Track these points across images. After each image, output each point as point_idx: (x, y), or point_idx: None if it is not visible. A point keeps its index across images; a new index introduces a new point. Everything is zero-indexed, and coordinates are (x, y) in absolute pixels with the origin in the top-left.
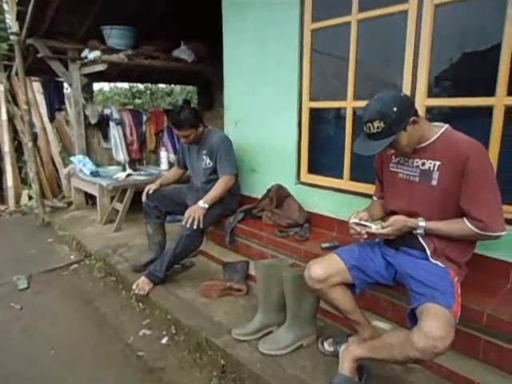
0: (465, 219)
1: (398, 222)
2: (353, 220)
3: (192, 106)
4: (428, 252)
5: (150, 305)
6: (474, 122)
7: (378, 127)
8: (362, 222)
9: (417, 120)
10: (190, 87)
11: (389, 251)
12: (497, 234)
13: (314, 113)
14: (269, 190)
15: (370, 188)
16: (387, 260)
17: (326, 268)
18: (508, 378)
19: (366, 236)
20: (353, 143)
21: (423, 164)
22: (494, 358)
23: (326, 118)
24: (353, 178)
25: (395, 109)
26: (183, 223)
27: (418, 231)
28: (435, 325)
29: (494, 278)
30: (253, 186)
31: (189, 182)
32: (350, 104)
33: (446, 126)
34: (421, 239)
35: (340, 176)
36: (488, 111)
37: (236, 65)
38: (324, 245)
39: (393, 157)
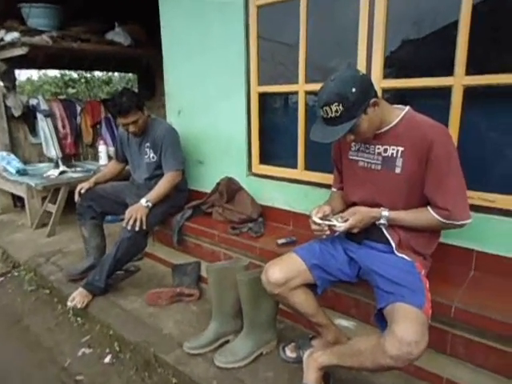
0: (429, 208)
1: (360, 212)
2: (316, 218)
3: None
4: (393, 245)
5: (90, 319)
6: (433, 104)
7: (337, 111)
8: (327, 221)
9: (377, 101)
10: (130, 75)
11: (351, 246)
12: (462, 222)
13: (263, 98)
14: (218, 184)
15: (326, 178)
16: (350, 256)
17: (285, 270)
18: (477, 372)
19: (328, 232)
20: (306, 130)
21: (385, 150)
22: (463, 351)
23: (277, 103)
24: (308, 168)
25: (354, 90)
26: (123, 225)
27: (381, 222)
28: (408, 329)
29: (457, 266)
30: (201, 179)
31: (129, 178)
32: (301, 87)
33: (407, 108)
34: (385, 231)
35: (294, 166)
36: (446, 92)
37: (176, 49)
38: (280, 241)
39: (352, 144)
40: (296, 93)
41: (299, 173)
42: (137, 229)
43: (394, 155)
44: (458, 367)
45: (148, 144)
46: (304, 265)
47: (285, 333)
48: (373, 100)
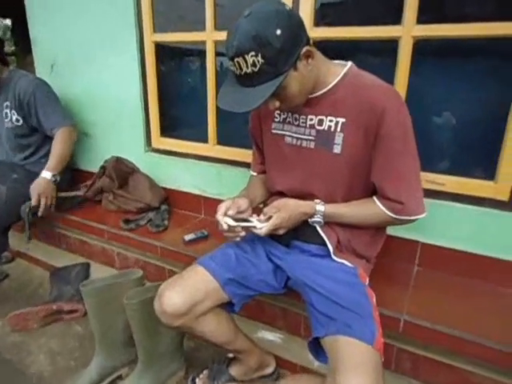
0: (376, 200)
1: (286, 207)
2: (227, 218)
3: None
4: (330, 247)
5: None
6: (374, 62)
7: (254, 64)
8: (242, 223)
9: (312, 51)
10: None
11: (277, 250)
12: (416, 217)
13: (162, 50)
14: (102, 168)
15: (245, 154)
16: (275, 263)
17: (188, 293)
18: None
19: (244, 234)
20: (217, 92)
21: (320, 122)
22: (409, 367)
23: (179, 58)
24: (221, 142)
25: (279, 32)
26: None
27: (315, 219)
28: (359, 380)
29: (400, 261)
30: (87, 155)
31: None
32: (210, 35)
33: (349, 64)
34: (320, 230)
35: (204, 139)
36: (392, 46)
37: None
38: (188, 236)
39: (276, 113)
40: (203, 43)
41: (210, 148)
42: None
43: (332, 129)
44: None
45: (8, 103)
46: (215, 282)
47: (196, 355)
48: (305, 49)
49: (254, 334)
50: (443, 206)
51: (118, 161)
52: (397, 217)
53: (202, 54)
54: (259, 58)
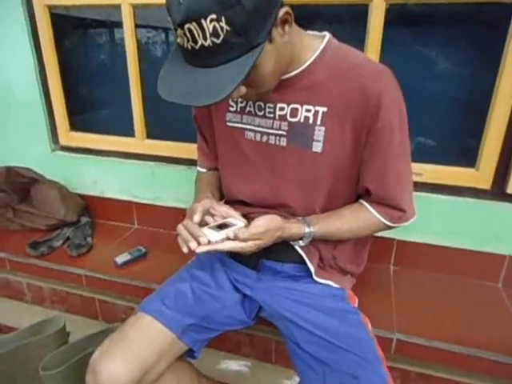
0: (369, 208)
1: (272, 231)
2: (206, 229)
3: None
4: (311, 267)
5: None
6: (342, 28)
7: (217, 33)
8: (229, 231)
9: (290, 15)
10: None
11: (244, 275)
12: (410, 221)
13: (60, 18)
14: None
15: (185, 149)
16: (243, 292)
17: (136, 360)
18: None
19: (194, 246)
20: (142, 73)
21: (294, 112)
22: None
23: (88, 29)
24: (152, 135)
25: None
26: None
27: (302, 243)
28: None
29: (374, 260)
30: None
31: None
32: None
33: (327, 35)
34: (297, 247)
35: (130, 132)
36: (361, 12)
37: None
38: (121, 258)
39: (230, 100)
40: (118, 8)
41: (139, 143)
42: None
43: (310, 121)
44: None
45: None
46: (170, 334)
47: None
48: (284, 10)
49: (217, 366)
50: (421, 198)
51: (9, 171)
52: (394, 225)
53: (116, 24)
54: (223, 24)
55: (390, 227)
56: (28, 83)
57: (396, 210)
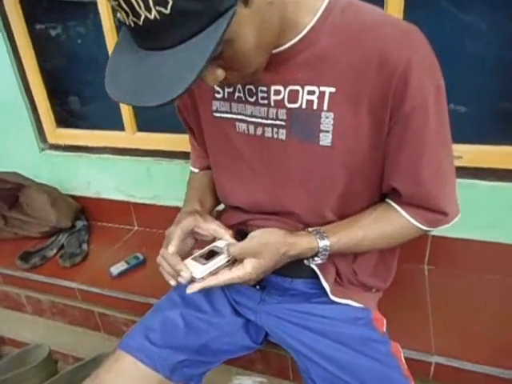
0: (401, 211)
1: (269, 248)
2: (189, 262)
3: None
4: (326, 286)
5: None
6: None
7: (164, 1)
8: (215, 264)
9: None
10: None
11: (245, 296)
12: (453, 222)
13: (30, 2)
14: None
15: (181, 141)
16: (246, 317)
17: None
18: None
19: (187, 278)
20: None
21: (294, 95)
22: None
23: (60, 11)
24: (143, 127)
25: None
26: None
27: (318, 260)
28: None
29: (406, 260)
30: None
31: None
32: None
33: None
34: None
35: (119, 125)
36: None
37: None
38: (116, 268)
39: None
40: None
41: (129, 137)
42: None
43: (315, 106)
44: None
45: None
46: (156, 375)
47: None
48: None
49: (229, 383)
50: (461, 185)
51: None
52: (432, 229)
53: (91, 5)
54: None
55: (428, 231)
56: (6, 80)
57: (435, 212)
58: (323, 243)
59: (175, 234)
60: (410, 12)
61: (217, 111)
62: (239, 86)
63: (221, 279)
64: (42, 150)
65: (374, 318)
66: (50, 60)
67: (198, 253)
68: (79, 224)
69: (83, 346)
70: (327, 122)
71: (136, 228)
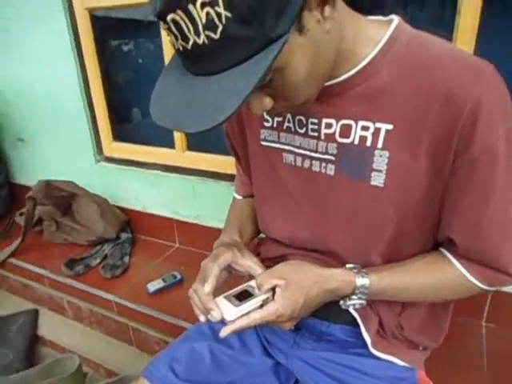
0: (454, 261)
1: (300, 280)
2: (220, 300)
3: None
4: (367, 337)
5: None
6: (420, 10)
7: (213, 24)
8: (248, 307)
9: None
10: None
11: (278, 336)
12: None
13: (100, 21)
14: (31, 198)
15: (228, 163)
16: (276, 360)
17: None
18: None
19: (218, 318)
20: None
21: (346, 130)
22: None
23: (127, 30)
24: (193, 147)
25: None
26: None
27: (353, 301)
28: None
29: (461, 312)
30: (26, 166)
31: None
32: None
33: (396, 19)
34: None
35: (170, 143)
36: None
37: None
38: (153, 285)
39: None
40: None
41: (179, 155)
42: None
43: (369, 143)
44: None
45: None
46: None
47: None
48: None
49: None
50: None
51: (49, 186)
52: (492, 289)
53: (155, 24)
54: (221, 10)
55: (487, 291)
56: (72, 93)
57: (497, 271)
58: (362, 281)
59: (212, 272)
60: (482, 47)
61: (264, 140)
62: (289, 116)
63: (252, 318)
64: (98, 161)
65: (419, 379)
66: (112, 73)
67: (231, 291)
68: (124, 236)
69: (115, 359)
70: (381, 161)
71: (177, 245)
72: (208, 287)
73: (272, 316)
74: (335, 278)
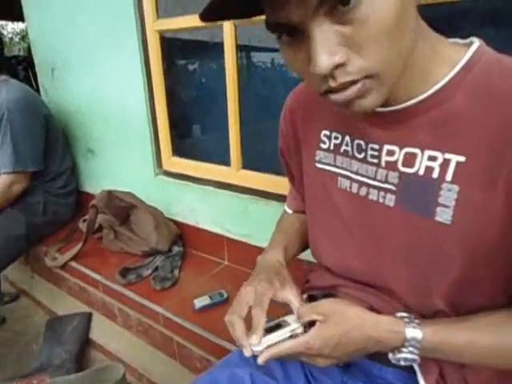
0: None
1: (341, 314)
2: (256, 337)
3: None
4: None
5: None
6: (502, 32)
7: None
8: (277, 337)
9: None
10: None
11: (324, 370)
12: None
13: (168, 42)
14: (94, 206)
15: (282, 184)
16: None
17: None
18: None
19: (263, 360)
20: (240, 97)
21: (410, 159)
22: None
23: (192, 52)
24: (248, 165)
25: None
26: None
27: (404, 355)
28: None
29: None
30: (94, 176)
31: None
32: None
33: (476, 42)
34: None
35: (226, 161)
36: None
37: None
38: (200, 301)
39: (322, 133)
40: (220, 28)
41: (233, 173)
42: None
43: (436, 174)
44: None
45: None
46: None
47: None
48: None
49: None
50: None
51: (110, 195)
52: None
53: (218, 45)
54: None
55: None
56: (139, 105)
57: None
58: (413, 332)
59: (260, 323)
60: None
61: (320, 162)
62: (347, 139)
63: (281, 347)
64: (157, 174)
65: None
66: (176, 90)
67: (265, 324)
68: (175, 249)
69: (159, 371)
70: (449, 195)
71: (226, 263)
72: (256, 340)
73: (300, 347)
74: (380, 326)
